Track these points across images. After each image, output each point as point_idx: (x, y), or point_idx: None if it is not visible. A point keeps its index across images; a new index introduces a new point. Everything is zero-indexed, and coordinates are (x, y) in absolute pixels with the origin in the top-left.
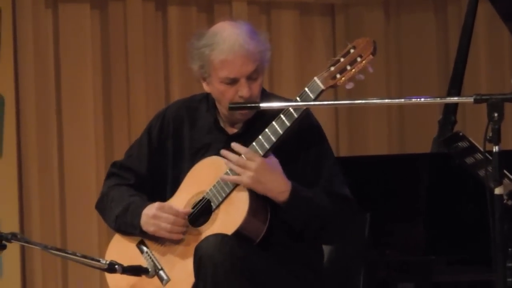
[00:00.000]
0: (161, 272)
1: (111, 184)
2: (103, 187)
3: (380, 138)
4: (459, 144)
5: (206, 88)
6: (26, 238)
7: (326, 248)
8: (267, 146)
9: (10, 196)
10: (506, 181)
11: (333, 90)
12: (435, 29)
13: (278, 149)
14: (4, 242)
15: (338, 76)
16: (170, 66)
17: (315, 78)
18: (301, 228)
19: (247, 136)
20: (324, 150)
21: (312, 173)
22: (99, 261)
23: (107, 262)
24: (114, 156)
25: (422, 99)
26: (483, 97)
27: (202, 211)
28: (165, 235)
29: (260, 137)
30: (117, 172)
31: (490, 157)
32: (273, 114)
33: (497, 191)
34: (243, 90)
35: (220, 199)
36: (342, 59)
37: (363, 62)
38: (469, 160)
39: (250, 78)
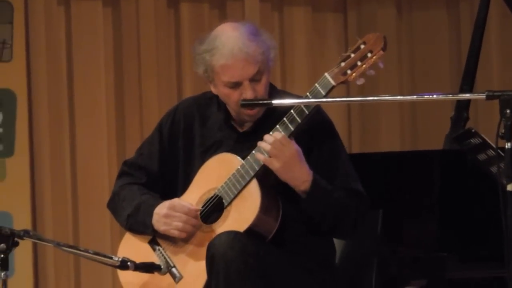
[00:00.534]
0: (173, 270)
1: (122, 183)
2: (114, 186)
3: (393, 134)
4: (472, 140)
5: (213, 90)
6: (38, 235)
7: (338, 245)
8: None
9: (23, 193)
10: None
11: (345, 86)
12: (447, 25)
13: None
14: (16, 239)
15: (348, 72)
16: (182, 63)
17: (326, 74)
18: (319, 219)
19: (257, 134)
20: (337, 146)
21: (326, 169)
22: (111, 258)
23: (120, 259)
24: (126, 153)
25: (434, 96)
26: (495, 93)
27: (214, 208)
28: (175, 234)
29: (271, 133)
30: (128, 171)
31: (503, 154)
32: (284, 111)
33: (510, 187)
34: (247, 93)
35: (232, 196)
36: (352, 55)
37: (374, 57)
38: (482, 156)
39: (253, 79)
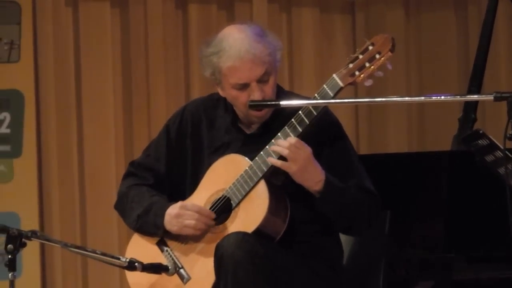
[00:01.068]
0: (181, 271)
1: (129, 184)
2: (120, 186)
3: (400, 135)
4: (479, 142)
5: (221, 92)
6: (46, 236)
7: (346, 246)
8: None
9: (30, 193)
10: None
11: (353, 87)
12: (455, 27)
13: None
14: (24, 239)
15: (357, 73)
16: (190, 64)
17: (334, 75)
18: (334, 218)
19: (265, 136)
20: (346, 146)
21: (337, 169)
22: (119, 258)
23: (127, 259)
24: (134, 153)
25: (442, 97)
26: (503, 94)
27: (222, 209)
28: (188, 232)
29: (279, 134)
30: (135, 172)
31: (510, 155)
32: (291, 113)
33: None
34: (255, 94)
35: (240, 197)
36: (360, 56)
37: (382, 59)
38: (489, 158)
39: (261, 81)
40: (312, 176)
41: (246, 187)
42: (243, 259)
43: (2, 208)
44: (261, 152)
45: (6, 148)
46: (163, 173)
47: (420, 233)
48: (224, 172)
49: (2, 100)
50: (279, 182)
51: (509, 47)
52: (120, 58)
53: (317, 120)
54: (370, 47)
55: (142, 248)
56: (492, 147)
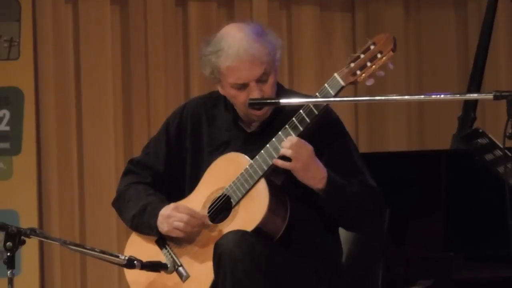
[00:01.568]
0: (180, 269)
1: (128, 182)
2: (119, 184)
3: (400, 134)
4: (479, 140)
5: (221, 91)
6: (45, 234)
7: (345, 245)
8: None
9: (29, 191)
10: None
11: (353, 86)
12: (455, 25)
13: None
14: (23, 237)
15: (358, 72)
16: (190, 62)
17: (335, 74)
18: (338, 215)
19: (266, 134)
20: (348, 143)
21: (339, 166)
22: (118, 256)
23: (126, 257)
24: (133, 152)
25: (442, 96)
26: (503, 93)
27: (222, 208)
28: (177, 234)
29: (280, 133)
30: (134, 170)
31: (510, 154)
32: (291, 111)
33: None
34: (254, 94)
35: (240, 196)
36: (362, 56)
37: (384, 58)
38: (489, 156)
39: (260, 80)
40: (315, 174)
41: (246, 186)
42: (242, 257)
43: (1, 205)
44: (262, 151)
45: (5, 145)
46: (162, 171)
47: (419, 232)
48: (224, 171)
49: (1, 98)
50: (279, 181)
51: (508, 46)
52: (120, 56)
53: (318, 119)
54: (372, 47)
55: (141, 246)
56: (492, 146)
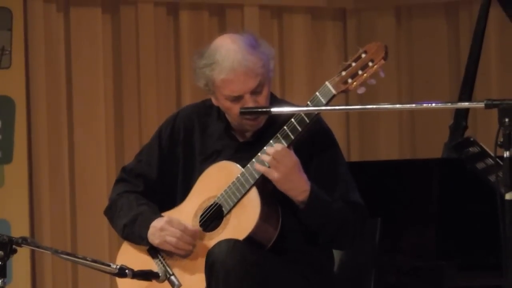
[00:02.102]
0: (172, 278)
1: (120, 190)
2: (111, 193)
3: (391, 143)
4: (470, 149)
5: (214, 102)
6: (36, 242)
7: (337, 253)
8: None
9: (21, 200)
10: None
11: (344, 94)
12: (446, 34)
13: None
14: (14, 246)
15: (349, 81)
16: (181, 70)
17: (327, 82)
18: (317, 230)
19: (258, 144)
20: (336, 155)
21: (325, 179)
22: (109, 265)
23: (118, 266)
24: (125, 160)
25: (433, 104)
26: (494, 102)
27: (213, 216)
28: (168, 248)
29: (271, 141)
30: (126, 178)
31: (501, 163)
32: (285, 121)
33: (508, 196)
34: (248, 105)
35: (232, 204)
36: (353, 64)
37: (375, 66)
38: (480, 165)
39: (255, 92)
40: (295, 185)
41: (237, 194)
42: (234, 266)
43: None
44: (253, 159)
45: None
46: (154, 179)
47: (411, 241)
48: (216, 179)
49: None
50: (270, 190)
51: (500, 54)
52: (111, 64)
53: (309, 128)
54: (363, 55)
55: (132, 255)
56: (483, 154)
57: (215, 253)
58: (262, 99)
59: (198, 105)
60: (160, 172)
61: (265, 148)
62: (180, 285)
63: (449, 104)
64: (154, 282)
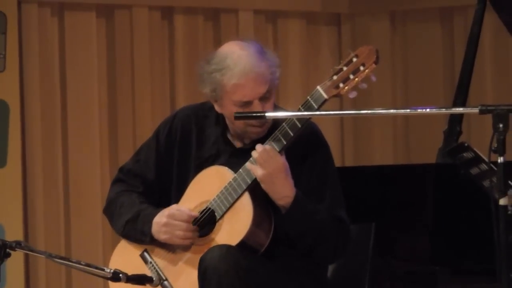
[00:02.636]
0: (165, 283)
1: (118, 189)
2: (110, 192)
3: (386, 148)
4: (464, 154)
5: (217, 109)
6: (30, 247)
7: None
8: None
9: (15, 204)
10: (511, 192)
11: (339, 99)
12: (441, 39)
13: None
14: (8, 250)
15: (341, 85)
16: (175, 74)
17: (318, 87)
18: (296, 238)
19: (253, 149)
20: (326, 167)
21: (313, 189)
22: (103, 269)
23: (111, 270)
24: (119, 164)
25: (428, 110)
26: (489, 107)
27: (206, 221)
28: (178, 242)
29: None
30: (124, 179)
31: (495, 168)
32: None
33: (502, 201)
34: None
35: (224, 209)
36: (345, 68)
37: (366, 71)
38: (474, 170)
39: (263, 98)
40: (279, 189)
41: (230, 199)
42: (227, 272)
43: None
44: (245, 164)
45: None
46: (152, 179)
47: (405, 246)
48: (208, 184)
49: None
50: (262, 195)
51: (494, 60)
52: (106, 68)
53: (301, 133)
54: (354, 59)
55: (126, 259)
56: (477, 160)
57: (207, 259)
58: (269, 105)
59: (197, 107)
60: (158, 172)
61: (256, 146)
62: None
63: (444, 109)
64: (147, 286)
